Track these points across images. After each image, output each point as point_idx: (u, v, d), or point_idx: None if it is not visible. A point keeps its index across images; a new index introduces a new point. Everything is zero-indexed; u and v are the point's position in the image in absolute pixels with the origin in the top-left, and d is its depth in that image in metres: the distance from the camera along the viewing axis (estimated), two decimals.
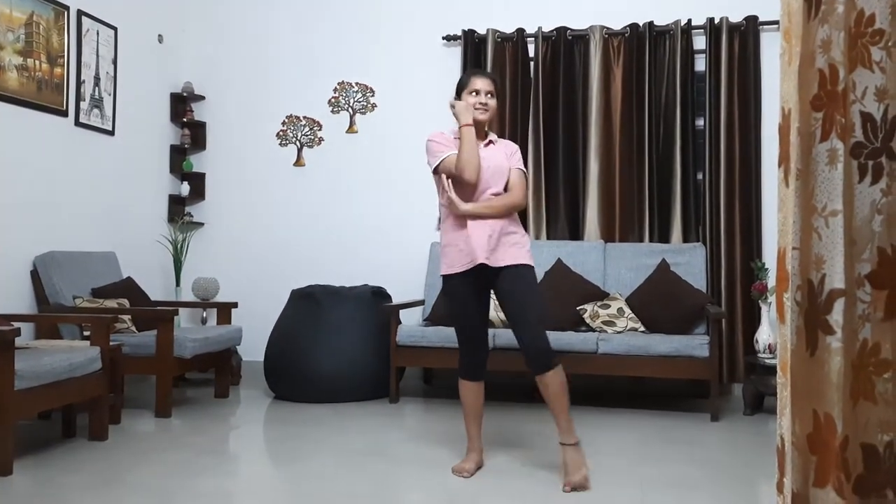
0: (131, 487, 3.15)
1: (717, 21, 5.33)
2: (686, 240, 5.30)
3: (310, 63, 6.05)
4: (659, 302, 4.94)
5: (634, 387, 5.39)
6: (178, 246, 5.90)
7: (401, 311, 5.02)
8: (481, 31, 5.66)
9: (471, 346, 3.39)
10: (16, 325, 3.44)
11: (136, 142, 5.68)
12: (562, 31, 5.52)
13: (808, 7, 1.81)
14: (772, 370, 4.46)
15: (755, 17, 5.29)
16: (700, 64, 5.40)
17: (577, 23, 5.54)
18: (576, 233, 5.49)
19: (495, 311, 4.80)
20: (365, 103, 5.98)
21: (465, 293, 3.34)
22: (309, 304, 5.11)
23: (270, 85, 6.11)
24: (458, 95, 3.40)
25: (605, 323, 4.90)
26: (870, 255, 1.83)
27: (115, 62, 5.45)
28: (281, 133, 6.09)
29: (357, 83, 5.98)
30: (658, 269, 5.07)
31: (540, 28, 5.54)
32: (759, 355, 4.75)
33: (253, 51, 6.14)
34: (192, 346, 4.50)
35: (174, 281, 5.94)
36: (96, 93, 5.26)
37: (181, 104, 6.15)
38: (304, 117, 6.06)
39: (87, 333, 4.31)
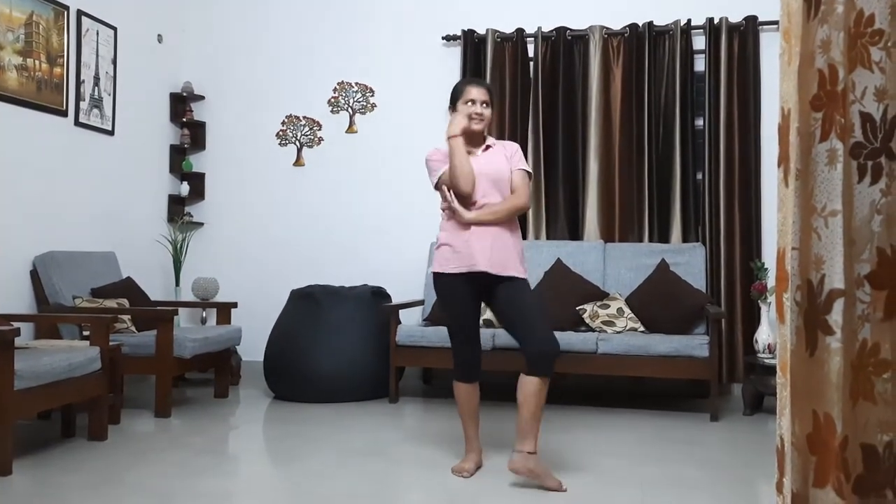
0: (131, 487, 3.15)
1: (716, 21, 5.33)
2: (686, 240, 5.30)
3: (309, 63, 6.05)
4: (658, 302, 4.94)
5: (634, 387, 5.39)
6: (178, 246, 5.90)
7: (400, 311, 5.03)
8: (481, 31, 5.66)
9: (464, 346, 3.38)
10: (15, 324, 3.44)
11: (135, 142, 5.68)
12: (561, 31, 5.52)
13: (807, 7, 1.81)
14: (771, 370, 4.46)
15: (755, 17, 5.29)
16: (700, 64, 5.40)
17: (577, 23, 5.54)
18: (575, 233, 5.49)
19: (492, 314, 4.81)
20: (364, 103, 5.98)
21: (457, 294, 3.32)
22: (309, 304, 5.11)
23: (270, 85, 6.11)
24: (453, 104, 3.39)
25: (604, 323, 4.90)
26: (869, 256, 1.83)
27: (114, 62, 5.45)
28: (280, 133, 6.09)
29: (357, 83, 5.98)
30: (658, 269, 5.07)
31: (539, 28, 5.54)
32: (759, 355, 4.75)
33: (253, 51, 6.14)
34: (192, 346, 4.50)
35: (174, 281, 5.94)
36: (96, 93, 5.25)
37: (181, 104, 6.15)
38: (304, 117, 6.06)
39: (86, 333, 4.31)
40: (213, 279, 5.83)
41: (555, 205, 5.51)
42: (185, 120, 6.10)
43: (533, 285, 4.94)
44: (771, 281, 4.76)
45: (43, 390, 3.47)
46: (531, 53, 5.61)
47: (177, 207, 6.10)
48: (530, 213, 5.45)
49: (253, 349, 5.61)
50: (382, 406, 4.82)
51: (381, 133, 5.92)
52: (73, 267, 4.75)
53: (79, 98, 5.08)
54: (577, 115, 5.50)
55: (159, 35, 5.98)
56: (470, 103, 3.33)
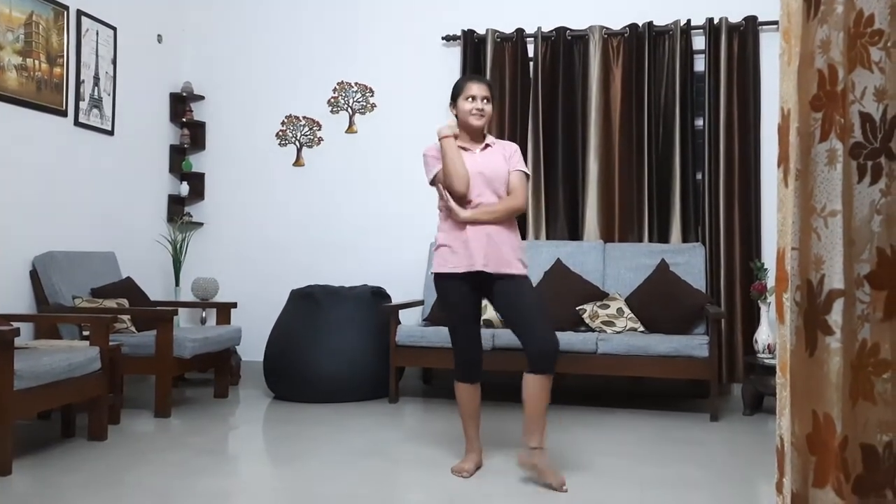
0: (130, 487, 3.15)
1: (716, 21, 5.33)
2: (685, 240, 5.30)
3: (309, 63, 6.05)
4: (658, 302, 4.94)
5: (634, 387, 5.39)
6: (178, 246, 5.90)
7: (400, 311, 5.03)
8: (481, 31, 5.66)
9: (465, 346, 3.38)
10: (15, 325, 3.44)
11: (135, 142, 5.68)
12: (561, 31, 5.52)
13: (807, 7, 1.81)
14: (771, 370, 4.46)
15: (754, 18, 5.29)
16: (699, 64, 5.40)
17: (577, 23, 5.54)
18: (575, 233, 5.49)
19: (494, 312, 4.81)
20: (364, 103, 5.98)
21: (457, 294, 3.33)
22: (308, 304, 5.11)
23: (270, 85, 6.11)
24: (454, 101, 3.39)
25: (604, 323, 4.90)
26: (869, 256, 1.83)
27: (114, 62, 5.45)
28: (280, 133, 6.09)
29: (356, 83, 5.98)
30: (657, 269, 5.07)
31: (539, 28, 5.54)
32: (759, 355, 4.75)
33: (252, 51, 6.14)
34: (192, 346, 4.50)
35: (174, 281, 5.94)
36: (96, 93, 5.25)
37: (181, 104, 6.15)
38: (304, 117, 6.06)
39: (86, 333, 4.31)
40: (212, 279, 5.83)
41: (554, 205, 5.51)
42: (184, 120, 6.10)
43: (533, 285, 4.95)
44: (771, 281, 4.76)
45: (43, 390, 3.47)
46: (531, 53, 5.61)
47: (176, 207, 6.10)
48: (530, 213, 5.45)
49: (253, 349, 5.61)
50: (382, 406, 4.82)
51: (380, 133, 5.92)
52: (73, 267, 4.75)
53: (78, 98, 5.08)
54: (576, 116, 5.50)
55: (159, 35, 5.98)
56: (471, 99, 3.33)
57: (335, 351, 4.91)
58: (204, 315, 5.98)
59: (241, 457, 3.87)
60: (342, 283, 5.56)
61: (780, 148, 1.91)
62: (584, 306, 5.00)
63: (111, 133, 5.42)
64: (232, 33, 6.18)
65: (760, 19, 5.29)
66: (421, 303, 5.43)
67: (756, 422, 4.52)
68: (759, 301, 4.85)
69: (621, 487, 3.20)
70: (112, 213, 5.41)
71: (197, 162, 6.21)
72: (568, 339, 4.61)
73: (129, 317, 4.72)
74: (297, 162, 6.07)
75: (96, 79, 5.26)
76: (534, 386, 3.18)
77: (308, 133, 6.05)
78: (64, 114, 4.96)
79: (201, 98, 6.17)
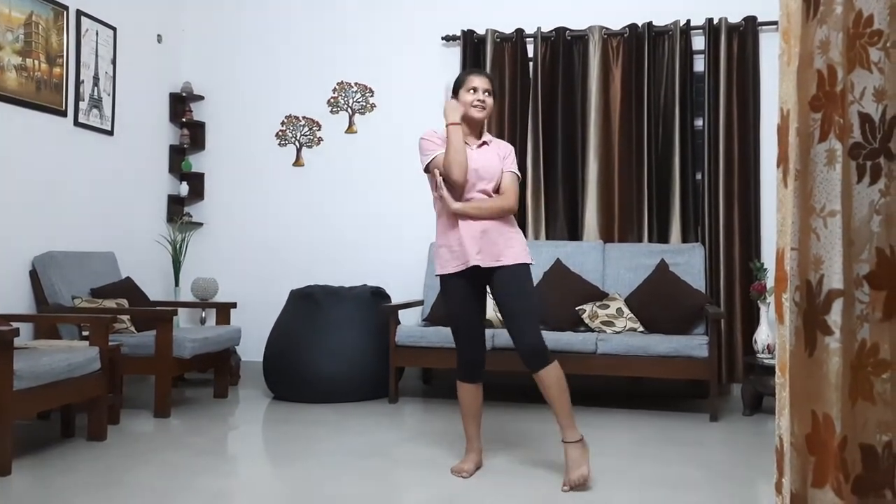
0: (130, 487, 3.15)
1: (715, 22, 5.33)
2: (685, 240, 5.30)
3: (309, 63, 6.05)
4: (658, 302, 4.94)
5: (633, 387, 5.39)
6: (178, 246, 5.90)
7: (400, 312, 5.03)
8: (480, 31, 5.66)
9: (468, 346, 3.39)
10: (15, 325, 3.44)
11: (135, 142, 5.68)
12: (561, 31, 5.52)
13: (806, 8, 1.81)
14: (770, 370, 4.46)
15: (754, 18, 5.29)
16: (699, 64, 5.40)
17: (576, 23, 5.54)
18: (575, 233, 5.50)
19: (494, 311, 4.80)
20: (364, 103, 5.98)
21: (460, 293, 3.33)
22: (308, 304, 5.11)
23: (269, 85, 6.11)
24: (455, 94, 3.39)
25: (604, 323, 4.90)
26: (868, 256, 1.83)
27: (114, 62, 5.45)
28: (280, 133, 6.09)
29: (356, 83, 5.99)
30: (657, 270, 5.07)
31: (539, 28, 5.55)
32: (758, 355, 4.75)
33: (252, 51, 6.14)
34: (192, 347, 4.50)
35: (173, 281, 5.94)
36: (95, 93, 5.25)
37: (180, 104, 6.15)
38: (304, 117, 6.06)
39: (86, 333, 4.31)
40: (212, 279, 5.83)
41: (554, 205, 5.51)
42: (184, 120, 6.10)
43: (532, 276, 4.93)
44: (770, 281, 4.76)
45: (42, 390, 3.47)
46: (531, 54, 5.61)
47: (176, 207, 6.10)
48: (530, 213, 5.45)
49: (252, 349, 5.61)
50: (382, 406, 4.82)
51: (380, 133, 5.92)
52: (73, 267, 4.75)
53: (78, 98, 5.08)
54: (576, 116, 5.50)
55: (159, 35, 5.98)
56: (472, 91, 3.33)
57: (335, 351, 4.91)
58: (203, 315, 5.98)
59: (240, 457, 3.87)
60: (342, 283, 5.56)
61: (779, 148, 1.91)
62: (584, 306, 5.00)
63: (111, 133, 5.42)
64: (232, 33, 6.18)
65: (760, 20, 5.29)
66: (421, 303, 5.43)
67: (755, 422, 4.52)
68: (759, 301, 4.85)
69: (621, 487, 3.21)
70: (112, 214, 5.41)
71: (197, 162, 6.21)
72: (567, 340, 4.62)
73: (128, 317, 4.72)
74: (297, 162, 6.07)
75: (96, 79, 5.26)
76: (541, 383, 3.21)
77: (308, 133, 6.05)
78: (63, 114, 4.96)
79: (201, 98, 6.17)
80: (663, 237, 5.36)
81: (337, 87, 6.01)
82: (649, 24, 5.39)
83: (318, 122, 6.04)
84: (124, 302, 4.78)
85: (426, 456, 3.66)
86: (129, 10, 5.62)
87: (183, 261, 5.94)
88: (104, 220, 5.33)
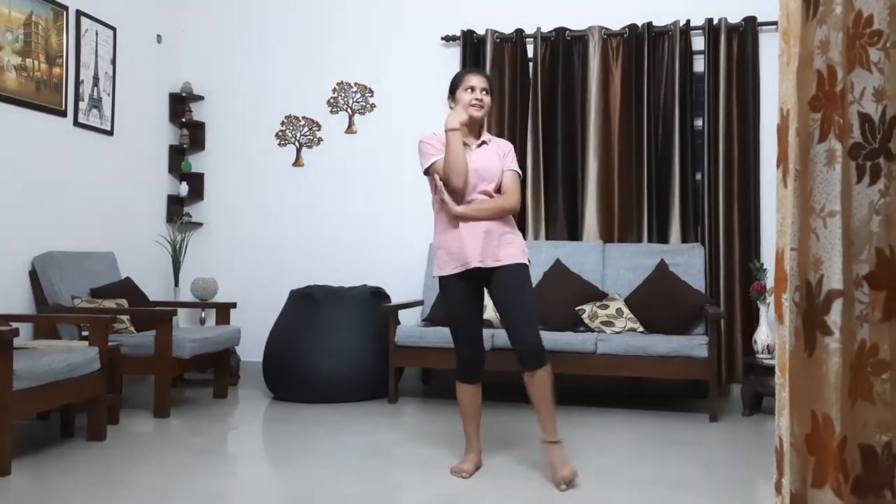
0: (129, 488, 3.15)
1: (715, 22, 5.33)
2: (685, 240, 5.30)
3: (309, 63, 6.05)
4: (658, 302, 4.94)
5: (633, 387, 5.39)
6: (177, 246, 5.90)
7: (399, 312, 5.03)
8: (480, 31, 5.66)
9: (467, 347, 3.38)
10: (14, 325, 3.44)
11: (134, 142, 5.68)
12: (560, 31, 5.52)
13: (806, 8, 1.81)
14: (770, 371, 4.46)
15: (754, 18, 5.29)
16: (699, 64, 5.40)
17: (576, 23, 5.54)
18: (574, 233, 5.50)
19: (494, 312, 4.81)
20: (364, 104, 5.98)
21: (460, 295, 3.33)
22: (308, 304, 5.11)
23: (269, 85, 6.11)
24: (453, 93, 3.38)
25: (603, 323, 4.90)
26: (868, 256, 1.83)
27: (113, 62, 5.45)
28: (280, 133, 6.09)
29: (356, 83, 5.99)
30: (657, 270, 5.07)
31: (539, 28, 5.55)
32: (758, 356, 4.75)
33: (252, 51, 6.14)
34: (191, 347, 4.50)
35: (173, 281, 5.94)
36: (95, 93, 5.25)
37: (180, 104, 6.15)
38: (303, 117, 6.06)
39: (85, 334, 4.31)
40: (212, 279, 5.83)
41: (554, 205, 5.51)
42: (184, 120, 6.10)
43: (532, 285, 4.94)
44: (770, 281, 4.76)
45: (42, 390, 3.47)
46: (530, 54, 5.61)
47: (176, 208, 6.10)
48: (530, 213, 5.45)
49: (252, 349, 5.61)
50: (382, 406, 4.82)
51: (380, 133, 5.92)
52: (72, 267, 4.74)
53: (78, 98, 5.08)
54: (576, 116, 5.50)
55: (158, 35, 5.98)
56: (470, 90, 3.33)
57: (334, 351, 4.91)
58: (203, 315, 5.98)
59: (240, 457, 3.87)
60: (341, 283, 5.56)
61: (779, 148, 1.91)
62: (584, 306, 5.00)
63: (110, 133, 5.42)
64: (232, 33, 6.18)
65: (760, 20, 5.29)
66: (420, 303, 5.43)
67: (755, 422, 4.52)
68: (759, 301, 4.85)
69: (620, 488, 3.21)
70: (111, 214, 5.41)
71: (196, 162, 6.21)
72: (567, 340, 4.61)
73: (128, 317, 4.72)
74: (297, 162, 6.07)
75: (96, 79, 5.26)
76: (531, 383, 3.21)
77: (308, 133, 6.05)
78: (63, 114, 4.96)
79: (201, 98, 6.17)
80: (663, 237, 5.36)
81: (337, 87, 6.01)
82: (649, 24, 5.39)
83: (317, 123, 6.04)
84: (124, 302, 4.78)
85: (426, 456, 3.66)
86: (129, 10, 5.62)
87: (183, 261, 5.94)
88: (104, 220, 5.33)
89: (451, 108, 3.37)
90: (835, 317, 1.79)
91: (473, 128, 3.39)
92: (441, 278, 3.36)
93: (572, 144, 5.50)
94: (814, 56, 1.81)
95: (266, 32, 6.13)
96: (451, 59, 5.76)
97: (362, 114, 5.98)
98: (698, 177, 5.37)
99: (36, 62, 4.73)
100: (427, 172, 3.36)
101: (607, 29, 5.48)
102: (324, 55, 6.03)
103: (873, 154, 1.82)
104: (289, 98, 6.06)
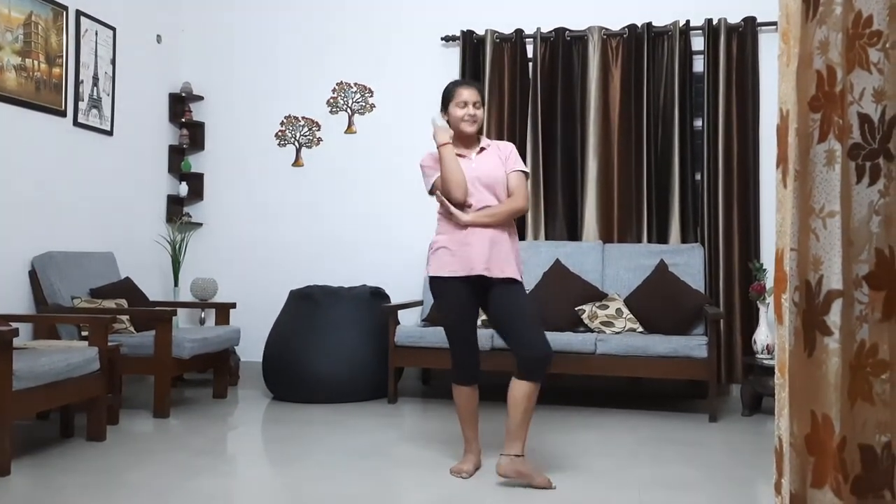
0: (129, 488, 3.15)
1: (715, 22, 5.33)
2: (684, 240, 5.30)
3: (308, 63, 6.05)
4: (657, 302, 4.94)
5: (632, 387, 5.39)
6: (177, 246, 5.90)
7: (399, 312, 5.03)
8: (480, 31, 5.66)
9: (464, 349, 3.37)
10: (14, 325, 3.43)
11: (134, 142, 5.67)
12: (560, 31, 5.52)
13: (805, 8, 1.81)
14: (770, 371, 4.46)
15: (753, 19, 5.29)
16: (698, 65, 5.41)
17: (576, 24, 5.54)
18: (574, 233, 5.50)
19: (487, 316, 4.81)
20: (363, 104, 5.98)
21: (460, 297, 3.30)
22: (307, 304, 5.11)
23: (269, 85, 6.11)
24: (445, 107, 3.37)
25: (603, 323, 4.90)
26: (867, 257, 1.83)
27: (113, 62, 5.45)
28: (280, 133, 6.09)
29: (356, 84, 5.98)
30: (656, 270, 5.07)
31: (538, 29, 5.55)
32: (758, 356, 4.75)
33: (252, 51, 6.14)
34: (191, 347, 4.50)
35: (172, 281, 5.94)
36: (95, 93, 5.25)
37: (180, 104, 6.15)
38: (303, 118, 6.06)
39: (85, 334, 4.31)
40: (211, 279, 5.83)
41: (553, 205, 5.51)
42: (183, 120, 6.10)
43: (532, 286, 4.95)
44: (769, 282, 4.76)
45: (41, 391, 3.47)
46: (530, 54, 5.61)
47: (175, 208, 6.10)
48: (529, 213, 5.45)
49: (252, 349, 5.60)
50: (381, 406, 4.82)
51: (379, 134, 5.92)
52: (72, 267, 4.74)
53: (77, 98, 5.08)
54: (575, 116, 5.50)
55: (158, 35, 5.98)
56: (462, 105, 3.32)
57: (334, 351, 4.91)
58: (203, 315, 5.98)
59: (239, 457, 3.87)
60: (341, 283, 5.56)
61: (778, 149, 1.91)
62: (583, 307, 5.00)
63: (110, 133, 5.42)
64: (232, 33, 6.18)
65: (759, 20, 5.29)
66: (420, 303, 5.43)
67: (755, 422, 4.52)
68: (758, 302, 4.85)
69: (620, 488, 3.21)
70: (111, 214, 5.41)
71: (196, 162, 6.21)
72: (567, 340, 4.61)
73: (127, 317, 4.72)
74: (297, 162, 6.07)
75: (95, 79, 5.26)
76: (521, 391, 3.16)
77: (307, 133, 6.05)
78: (63, 114, 4.96)
79: (200, 98, 6.17)
80: (663, 237, 5.36)
81: (336, 87, 6.01)
82: (649, 24, 5.39)
83: (317, 123, 6.04)
84: (123, 302, 4.78)
85: (425, 456, 3.66)
86: (129, 10, 5.62)
87: (182, 261, 5.94)
88: (103, 220, 5.33)
89: (446, 121, 3.35)
90: (834, 317, 1.79)
91: (469, 138, 3.37)
92: (438, 279, 3.32)
93: (572, 144, 5.50)
94: (813, 56, 1.81)
95: (266, 32, 6.12)
96: (451, 59, 5.76)
97: (362, 114, 5.98)
98: (698, 177, 5.37)
99: (36, 62, 4.73)
100: (432, 192, 3.36)
101: (607, 29, 5.48)
102: (324, 55, 6.03)
103: (873, 154, 1.83)
104: (288, 98, 6.06)
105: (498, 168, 3.33)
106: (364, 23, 5.97)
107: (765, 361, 4.63)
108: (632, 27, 5.42)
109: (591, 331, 4.91)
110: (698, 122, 5.39)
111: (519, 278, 3.30)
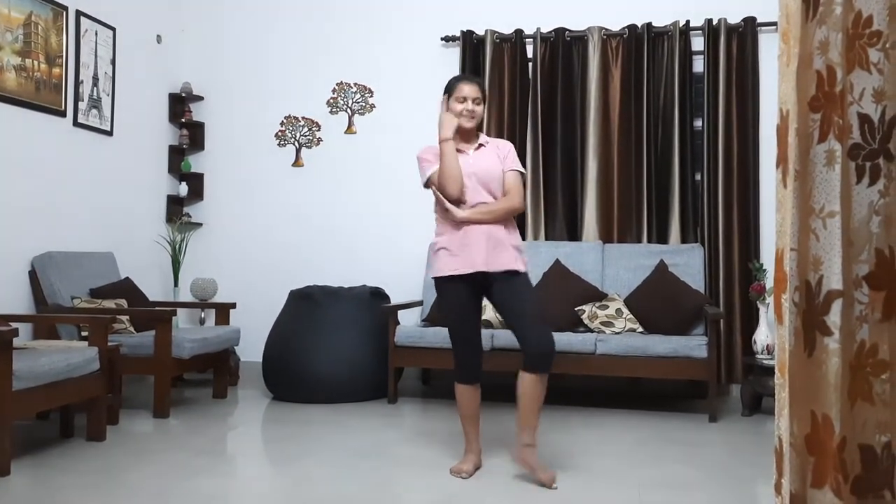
0: (129, 488, 3.15)
1: (715, 22, 5.33)
2: (684, 240, 5.31)
3: (308, 63, 6.05)
4: (657, 303, 4.94)
5: (632, 387, 5.39)
6: (177, 246, 5.90)
7: (399, 312, 5.03)
8: (480, 31, 5.66)
9: (466, 348, 3.38)
10: (14, 325, 3.43)
11: (134, 142, 5.67)
12: (560, 32, 5.52)
13: (805, 8, 1.81)
14: (770, 371, 4.46)
15: (753, 19, 5.29)
16: (698, 65, 5.41)
17: (576, 24, 5.54)
18: (574, 233, 5.50)
19: (493, 313, 4.81)
20: (363, 104, 5.98)
21: (462, 297, 3.32)
22: (307, 304, 5.11)
23: (269, 85, 6.11)
24: (448, 95, 3.38)
25: (603, 324, 4.90)
26: (867, 257, 1.83)
27: (113, 62, 5.45)
28: (279, 133, 6.09)
29: (356, 84, 5.98)
30: (656, 270, 5.07)
31: (538, 29, 5.55)
32: (758, 356, 4.75)
33: (251, 51, 6.14)
34: (191, 347, 4.50)
35: (172, 281, 5.94)
36: (94, 93, 5.25)
37: (180, 104, 6.15)
38: (303, 118, 6.06)
39: (85, 334, 4.31)
40: (211, 280, 5.83)
41: (553, 205, 5.52)
42: (183, 120, 6.10)
43: (532, 283, 4.94)
44: (769, 282, 4.76)
45: (41, 391, 3.47)
46: (530, 54, 5.61)
47: (175, 208, 6.10)
48: (529, 213, 5.45)
49: (251, 350, 5.61)
50: (381, 407, 4.82)
51: (379, 134, 5.92)
52: (72, 267, 4.74)
53: (77, 98, 5.08)
54: (575, 116, 5.50)
55: (158, 35, 5.98)
56: (461, 100, 3.33)
57: (334, 351, 4.91)
58: (203, 315, 5.98)
59: (239, 457, 3.87)
60: (341, 283, 5.56)
61: (778, 149, 1.91)
62: (583, 307, 5.00)
63: (110, 133, 5.42)
64: (231, 33, 6.18)
65: (759, 20, 5.29)
66: (420, 303, 5.43)
67: (755, 422, 4.52)
68: (758, 302, 4.85)
69: (619, 488, 3.21)
70: (111, 214, 5.41)
71: (196, 162, 6.21)
72: (567, 340, 4.61)
73: (127, 317, 4.72)
74: (297, 162, 6.07)
75: (95, 79, 5.26)
76: (530, 384, 3.20)
77: (307, 133, 6.05)
78: (63, 114, 4.96)
79: (200, 98, 6.17)
80: (662, 237, 5.36)
81: (336, 87, 6.01)
82: (648, 24, 5.39)
83: (317, 123, 6.04)
84: (123, 302, 4.78)
85: (425, 456, 3.66)
86: (129, 10, 5.62)
87: (182, 261, 5.94)
88: (103, 220, 5.33)
89: (447, 108, 3.36)
90: (834, 317, 1.79)
91: (468, 133, 3.38)
92: (439, 279, 3.34)
93: (572, 145, 5.50)
94: (813, 57, 1.81)
95: (266, 32, 6.13)
96: (451, 59, 5.76)
97: (362, 114, 5.98)
98: (698, 177, 5.37)
99: (35, 62, 4.73)
100: (427, 185, 3.37)
101: (607, 29, 5.48)
102: (324, 55, 6.03)
103: (873, 154, 1.83)
104: (288, 98, 6.06)
105: (495, 165, 3.34)
106: (364, 23, 5.97)
107: (765, 361, 4.63)
108: (632, 27, 5.42)
109: (591, 331, 4.91)
110: (698, 123, 5.39)
111: (521, 268, 3.30)
